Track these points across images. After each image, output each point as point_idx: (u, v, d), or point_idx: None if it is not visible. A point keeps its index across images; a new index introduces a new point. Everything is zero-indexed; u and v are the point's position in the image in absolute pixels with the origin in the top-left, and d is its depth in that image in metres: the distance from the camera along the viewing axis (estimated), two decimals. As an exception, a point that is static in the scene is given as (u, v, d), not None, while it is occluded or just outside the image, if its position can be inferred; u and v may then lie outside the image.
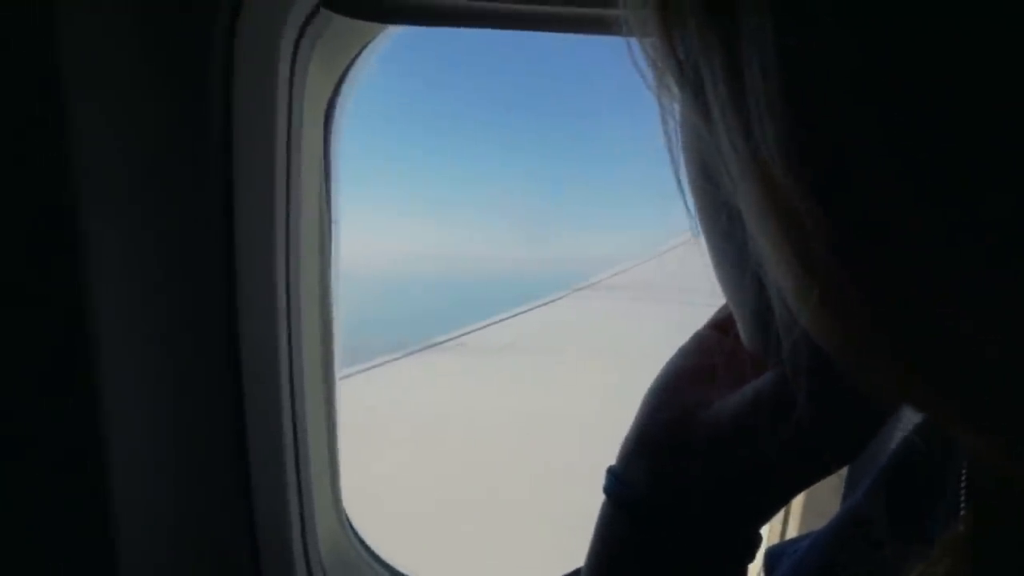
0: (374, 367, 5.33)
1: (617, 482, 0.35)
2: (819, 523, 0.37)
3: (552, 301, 7.83)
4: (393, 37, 0.70)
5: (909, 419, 0.33)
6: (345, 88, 0.70)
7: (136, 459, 0.68)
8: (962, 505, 0.28)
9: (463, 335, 6.65)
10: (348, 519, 0.89)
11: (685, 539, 0.33)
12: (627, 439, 0.36)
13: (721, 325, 0.37)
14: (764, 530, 0.35)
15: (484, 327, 6.92)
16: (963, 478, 0.29)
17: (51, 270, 0.57)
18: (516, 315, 7.32)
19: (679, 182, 0.26)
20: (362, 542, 0.90)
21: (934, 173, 0.16)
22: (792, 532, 0.99)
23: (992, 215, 0.16)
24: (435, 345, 6.32)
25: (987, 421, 0.19)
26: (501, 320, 7.13)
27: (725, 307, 0.36)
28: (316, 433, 0.79)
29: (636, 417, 0.36)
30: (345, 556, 0.87)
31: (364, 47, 0.68)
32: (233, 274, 0.65)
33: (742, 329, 0.32)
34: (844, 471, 0.77)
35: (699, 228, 0.29)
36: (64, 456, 0.61)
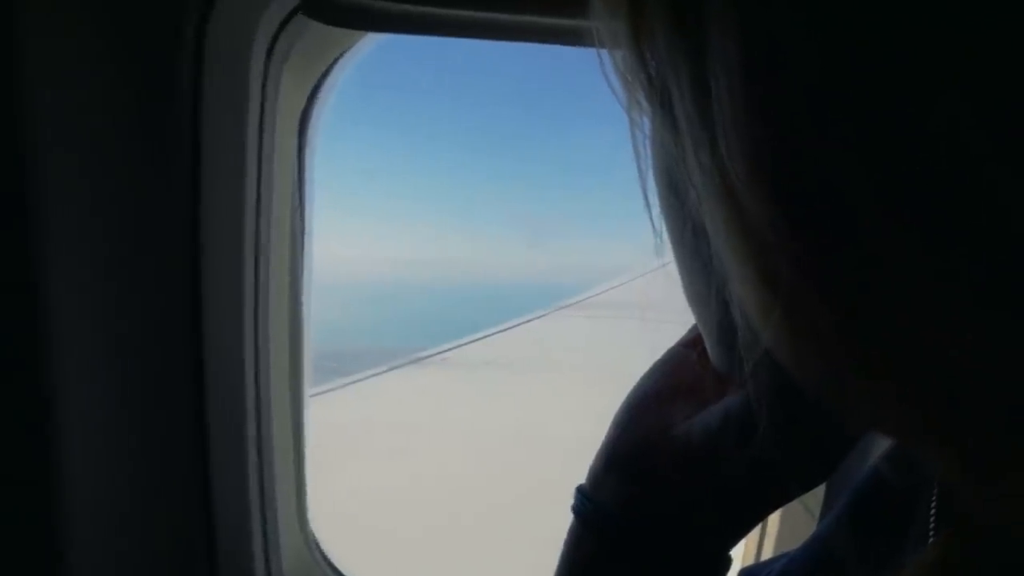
0: (357, 381, 5.32)
1: (586, 502, 0.34)
2: (797, 540, 0.37)
3: (536, 318, 7.85)
4: (373, 45, 0.69)
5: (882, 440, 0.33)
6: (321, 96, 0.69)
7: (88, 470, 0.65)
8: (931, 531, 0.28)
9: (446, 351, 6.66)
10: (315, 538, 0.87)
11: (654, 561, 0.32)
12: (597, 457, 0.35)
13: (692, 343, 0.37)
14: (739, 548, 0.35)
15: (467, 343, 6.93)
16: (933, 505, 0.28)
17: (4, 269, 0.55)
18: (500, 331, 7.35)
19: (646, 198, 0.26)
20: (328, 562, 0.87)
21: (902, 188, 0.16)
22: (768, 550, 0.98)
23: (964, 230, 0.16)
24: (418, 360, 6.33)
25: (958, 447, 0.19)
26: (484, 336, 7.15)
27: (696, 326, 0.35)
28: (282, 449, 0.77)
29: (606, 435, 0.36)
30: (308, 570, 0.84)
31: (341, 55, 0.67)
32: (198, 283, 0.63)
33: (710, 348, 0.32)
34: (823, 486, 0.76)
35: (665, 245, 0.29)
36: (9, 466, 0.59)
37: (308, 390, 0.81)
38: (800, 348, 0.20)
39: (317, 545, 0.87)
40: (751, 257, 0.19)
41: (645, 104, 0.22)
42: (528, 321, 7.75)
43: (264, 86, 0.61)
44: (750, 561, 0.90)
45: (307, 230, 0.74)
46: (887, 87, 0.15)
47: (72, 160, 0.56)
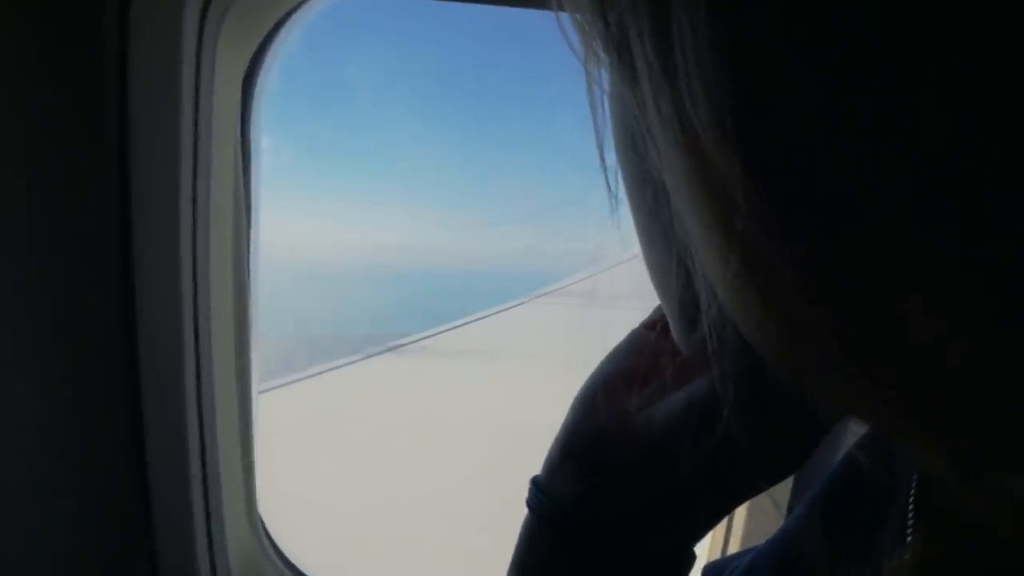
0: (332, 369, 5.28)
1: (541, 494, 0.33)
2: (765, 535, 0.35)
3: (515, 306, 7.84)
4: (324, 6, 0.65)
5: (856, 428, 0.31)
6: (265, 61, 0.64)
7: (16, 465, 0.62)
8: (909, 528, 0.27)
9: (425, 338, 6.63)
10: (265, 529, 0.84)
11: (613, 557, 0.31)
12: (552, 448, 0.33)
13: (654, 324, 0.34)
14: (704, 543, 0.32)
15: (446, 330, 6.91)
16: (911, 499, 0.27)
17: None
18: (478, 319, 7.33)
19: (602, 158, 0.24)
20: (279, 553, 0.84)
21: (880, 137, 0.14)
22: (735, 545, 0.96)
23: (951, 189, 0.14)
24: (397, 348, 6.30)
25: (942, 436, 0.17)
26: (463, 324, 7.13)
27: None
28: (228, 439, 0.73)
29: (563, 424, 0.34)
30: (259, 568, 0.81)
31: (288, 14, 0.62)
32: (130, 266, 0.59)
33: (672, 324, 0.30)
34: (791, 478, 0.74)
35: (619, 208, 0.26)
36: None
37: (256, 380, 0.77)
38: (768, 321, 0.18)
39: (267, 534, 0.84)
40: (715, 218, 0.17)
41: (602, 55, 0.20)
42: (507, 309, 7.74)
43: (199, 49, 0.57)
44: (716, 556, 0.88)
45: (252, 208, 0.69)
46: (864, 24, 0.14)
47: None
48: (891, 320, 0.16)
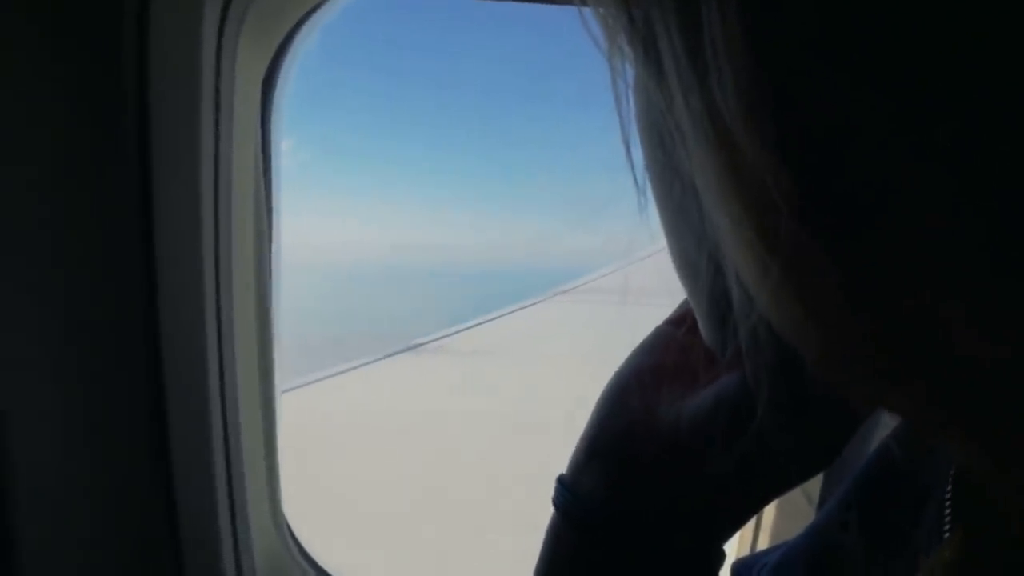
0: (356, 368, 5.32)
1: (567, 493, 0.32)
2: (794, 530, 0.35)
3: (532, 304, 7.84)
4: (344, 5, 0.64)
5: (889, 420, 0.31)
6: (286, 61, 0.64)
7: (43, 467, 0.62)
8: (946, 522, 0.26)
9: (444, 337, 6.66)
10: (289, 528, 0.84)
11: (640, 557, 0.30)
12: (578, 446, 0.33)
13: (680, 320, 0.34)
14: (734, 538, 0.33)
15: (465, 329, 6.93)
16: (948, 492, 0.27)
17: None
18: (496, 318, 7.34)
19: (628, 155, 0.23)
20: (304, 553, 0.84)
21: (923, 127, 0.13)
22: (764, 540, 0.95)
23: (993, 181, 0.13)
24: (417, 347, 6.33)
25: (982, 434, 0.17)
26: (483, 323, 7.14)
27: (688, 301, 0.33)
28: (252, 438, 0.73)
29: (588, 422, 0.33)
30: (284, 568, 0.81)
31: (308, 13, 0.62)
32: (152, 267, 0.59)
33: (700, 322, 0.30)
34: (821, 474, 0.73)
35: (648, 204, 0.26)
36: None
37: (279, 380, 0.77)
38: (803, 315, 0.18)
39: (291, 534, 0.84)
40: (747, 212, 0.17)
41: (627, 48, 0.20)
42: (524, 307, 7.74)
43: (219, 49, 0.57)
44: (745, 553, 0.86)
45: (273, 209, 0.70)
46: (902, 8, 0.13)
47: (8, 138, 0.52)
48: (933, 318, 0.15)
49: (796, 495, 0.85)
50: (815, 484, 0.78)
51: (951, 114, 0.13)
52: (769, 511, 0.92)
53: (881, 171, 0.14)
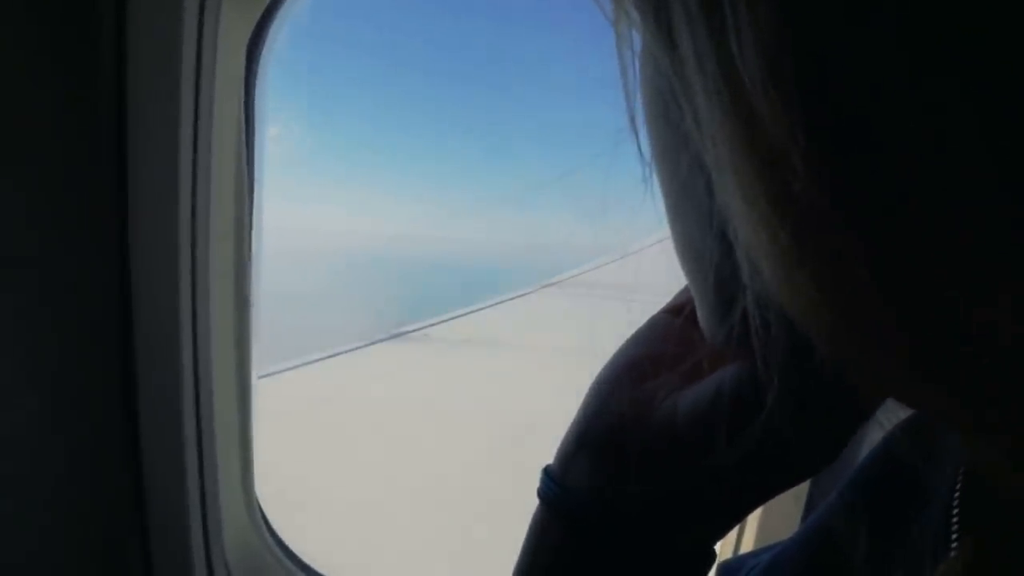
0: (337, 355, 5.30)
1: (553, 485, 0.31)
2: (780, 533, 0.32)
3: (522, 295, 7.86)
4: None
5: (885, 416, 0.29)
6: (271, 28, 0.61)
7: (8, 451, 0.60)
8: (955, 525, 0.25)
9: (428, 326, 6.66)
10: (264, 517, 0.82)
11: (628, 554, 0.29)
12: (567, 436, 0.32)
13: (678, 309, 0.33)
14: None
15: (450, 319, 6.93)
16: (956, 493, 0.26)
17: None
18: (483, 308, 7.35)
19: (634, 126, 0.22)
20: (278, 541, 0.82)
21: (958, 88, 0.12)
22: (748, 543, 0.94)
23: None
24: (400, 335, 6.33)
25: (999, 427, 0.16)
26: (467, 313, 7.15)
27: (686, 289, 0.32)
28: (225, 425, 0.71)
29: (578, 412, 0.32)
30: (256, 556, 0.79)
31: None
32: (126, 246, 0.57)
33: (701, 310, 0.28)
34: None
35: (653, 179, 0.25)
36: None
37: (255, 366, 0.75)
38: (820, 298, 0.16)
39: (265, 522, 0.82)
40: (763, 186, 0.16)
41: (635, 12, 0.19)
42: (512, 299, 7.75)
43: (201, 12, 0.54)
44: (728, 554, 0.85)
45: (256, 181, 0.67)
46: None
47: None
48: (957, 304, 0.14)
49: (783, 496, 0.84)
50: (803, 484, 0.77)
51: (998, 92, 0.12)
52: (755, 513, 0.91)
53: (917, 146, 0.13)
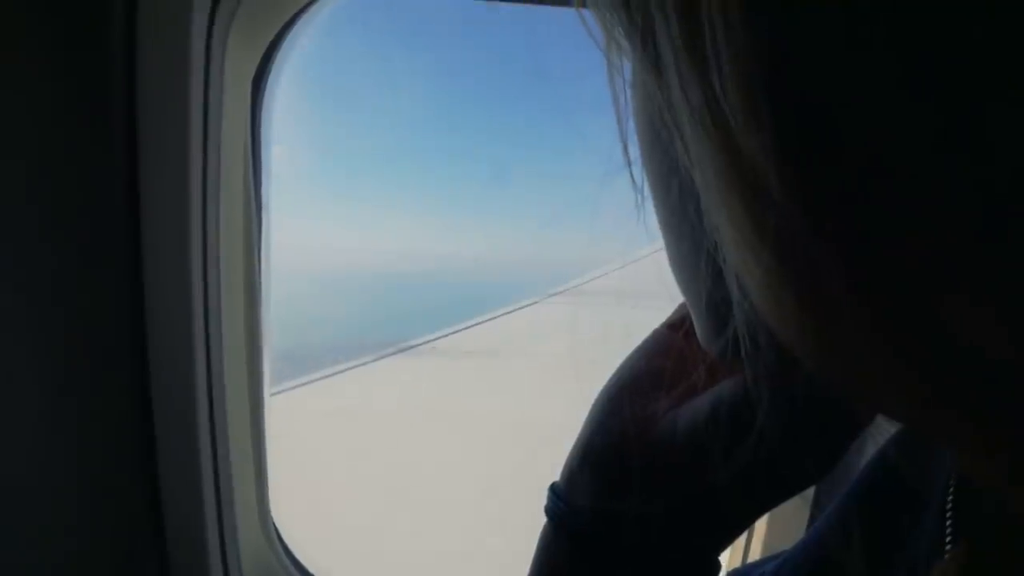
0: (346, 370, 5.30)
1: (559, 502, 0.32)
2: (786, 540, 0.33)
3: (527, 305, 7.83)
4: (333, 5, 0.64)
5: (884, 428, 0.30)
6: (276, 59, 0.63)
7: (27, 468, 0.61)
8: (948, 533, 0.26)
9: (436, 339, 6.64)
10: (278, 533, 0.83)
11: (634, 568, 0.30)
12: (572, 453, 0.32)
13: (677, 324, 0.33)
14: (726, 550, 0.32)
15: (457, 331, 6.91)
16: (949, 501, 0.26)
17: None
18: (490, 319, 7.32)
19: (626, 152, 0.23)
20: (292, 558, 0.83)
21: (938, 120, 0.13)
22: (756, 551, 0.94)
23: (1007, 183, 0.13)
24: (408, 349, 6.31)
25: (986, 437, 0.17)
26: (475, 324, 7.13)
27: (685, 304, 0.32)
28: (239, 441, 0.72)
29: (582, 429, 0.32)
30: (271, 572, 0.80)
31: (299, 11, 0.61)
32: (139, 269, 0.58)
33: (698, 326, 0.29)
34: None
35: (647, 204, 0.26)
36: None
37: (268, 383, 0.76)
38: (804, 319, 0.17)
39: (279, 538, 0.83)
40: (746, 211, 0.16)
41: (625, 42, 0.19)
42: (518, 309, 7.73)
43: (208, 48, 0.56)
44: (737, 563, 0.86)
45: (264, 210, 0.69)
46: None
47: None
48: (936, 317, 0.15)
49: (791, 503, 0.85)
50: (808, 491, 0.78)
51: (959, 108, 0.13)
52: (762, 519, 0.92)
53: (885, 165, 0.14)
